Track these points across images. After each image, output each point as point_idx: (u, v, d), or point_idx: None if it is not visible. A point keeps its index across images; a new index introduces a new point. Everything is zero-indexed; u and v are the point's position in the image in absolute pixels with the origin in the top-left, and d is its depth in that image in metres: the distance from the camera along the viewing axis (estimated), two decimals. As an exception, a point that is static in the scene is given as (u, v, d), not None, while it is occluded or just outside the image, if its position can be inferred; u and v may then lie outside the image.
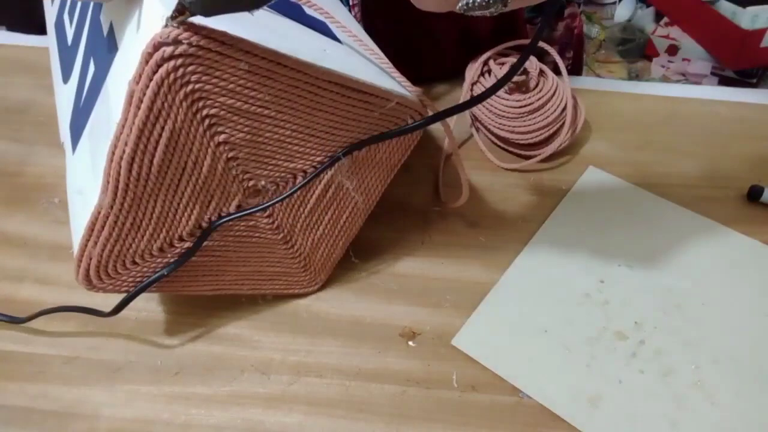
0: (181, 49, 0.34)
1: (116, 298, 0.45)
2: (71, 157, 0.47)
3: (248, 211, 0.44)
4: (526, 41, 0.64)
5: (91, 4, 0.48)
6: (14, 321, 0.50)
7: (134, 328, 0.51)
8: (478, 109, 0.62)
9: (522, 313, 0.51)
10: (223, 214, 0.44)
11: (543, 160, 0.60)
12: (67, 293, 0.52)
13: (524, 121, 0.59)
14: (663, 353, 0.48)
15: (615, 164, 0.61)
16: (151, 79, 0.35)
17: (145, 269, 0.44)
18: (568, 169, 0.61)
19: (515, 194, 0.59)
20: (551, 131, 0.59)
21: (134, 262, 0.43)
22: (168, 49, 0.34)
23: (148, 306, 0.51)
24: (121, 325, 0.50)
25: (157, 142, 0.37)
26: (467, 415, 0.46)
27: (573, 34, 0.71)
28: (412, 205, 0.58)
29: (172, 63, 0.35)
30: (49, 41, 0.60)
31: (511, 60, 0.63)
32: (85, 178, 0.43)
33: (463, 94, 0.63)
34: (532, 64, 0.61)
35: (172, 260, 0.44)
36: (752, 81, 0.70)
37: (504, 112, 0.60)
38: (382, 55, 0.49)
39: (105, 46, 0.43)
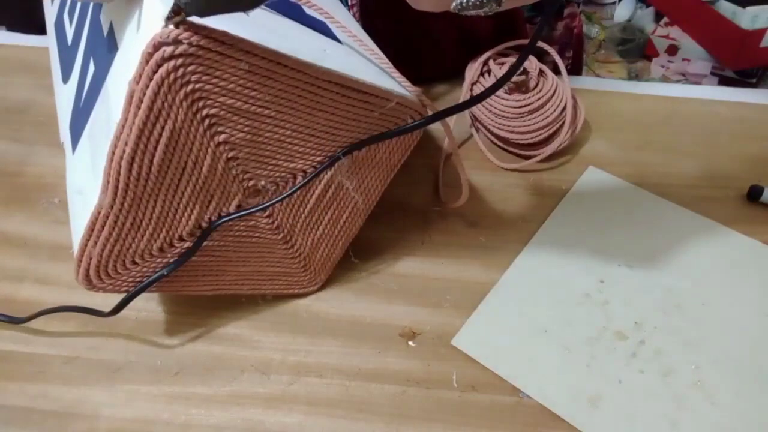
0: (181, 49, 0.34)
1: (116, 298, 0.45)
2: (71, 157, 0.47)
3: (248, 211, 0.44)
4: (526, 41, 0.64)
5: (91, 4, 0.48)
6: (14, 321, 0.50)
7: (134, 328, 0.51)
8: (477, 109, 0.62)
9: (522, 313, 0.51)
10: (223, 214, 0.44)
11: (543, 160, 0.60)
12: (67, 293, 0.52)
13: (524, 121, 0.59)
14: (663, 353, 0.48)
15: (615, 164, 0.61)
16: (151, 79, 0.35)
17: (145, 269, 0.44)
18: (568, 169, 0.61)
19: (515, 194, 0.59)
20: (551, 131, 0.59)
21: (134, 262, 0.43)
22: (168, 49, 0.34)
23: (148, 306, 0.51)
24: (121, 325, 0.50)
25: (157, 142, 0.37)
26: (467, 415, 0.46)
27: (573, 34, 0.71)
28: (412, 205, 0.58)
29: (172, 63, 0.35)
30: (49, 41, 0.60)
31: (511, 60, 0.63)
32: (85, 178, 0.43)
33: (463, 94, 0.63)
34: (532, 64, 0.61)
35: (172, 260, 0.44)
36: (752, 81, 0.70)
37: (504, 112, 0.60)
38: (382, 55, 0.49)
39: (105, 46, 0.43)
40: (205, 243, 0.44)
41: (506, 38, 0.64)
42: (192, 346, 0.50)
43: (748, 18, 0.65)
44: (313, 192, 0.47)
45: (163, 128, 0.37)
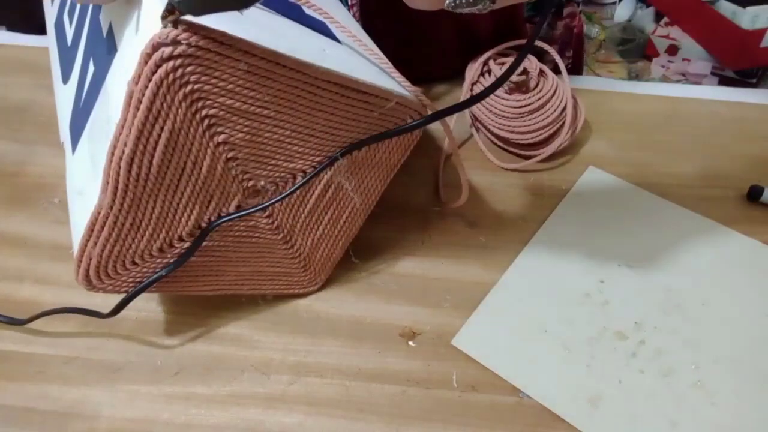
0: (180, 49, 0.34)
1: (116, 299, 0.45)
2: (71, 157, 0.47)
3: (247, 212, 0.44)
4: (526, 41, 0.64)
5: (90, 5, 0.48)
6: (15, 323, 0.50)
7: (134, 328, 0.51)
8: (478, 109, 0.62)
9: (522, 313, 0.51)
10: (222, 215, 0.44)
11: (543, 160, 0.60)
12: (67, 293, 0.52)
13: (524, 121, 0.59)
14: (663, 353, 0.48)
15: (615, 164, 0.61)
16: (150, 80, 0.35)
17: (144, 269, 0.44)
18: (568, 169, 0.61)
19: (515, 194, 0.59)
20: (551, 131, 0.59)
21: (134, 263, 0.43)
22: (167, 50, 0.34)
23: (148, 306, 0.52)
24: (121, 325, 0.50)
25: (157, 143, 0.37)
26: (467, 415, 0.46)
27: (573, 34, 0.70)
28: (412, 205, 0.58)
29: (171, 63, 0.35)
30: (49, 41, 0.60)
31: (511, 60, 0.63)
32: (85, 179, 0.43)
33: (463, 94, 0.63)
34: (532, 63, 0.61)
35: (171, 261, 0.44)
36: (752, 81, 0.70)
37: (504, 112, 0.60)
38: (381, 54, 0.49)
39: (104, 47, 0.43)
40: (204, 243, 0.44)
41: (506, 38, 0.64)
42: (192, 346, 0.50)
43: (748, 18, 0.65)
44: (313, 192, 0.47)
45: (162, 129, 0.37)
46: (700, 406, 0.46)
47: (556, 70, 0.62)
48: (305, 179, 0.45)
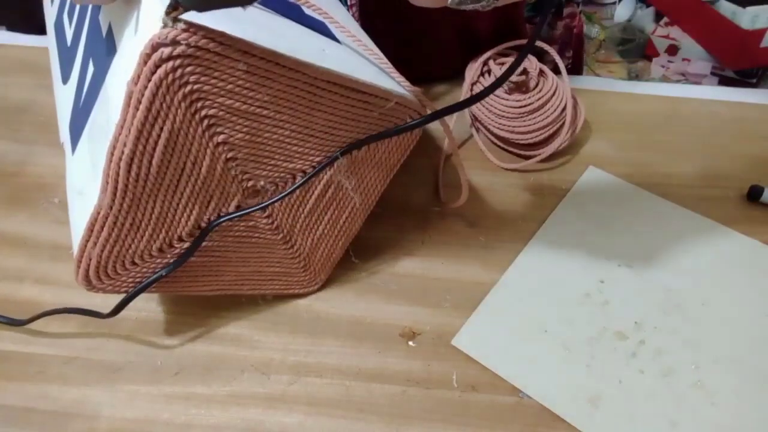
0: (179, 49, 0.34)
1: (116, 299, 0.45)
2: (71, 157, 0.47)
3: (247, 211, 0.44)
4: (526, 41, 0.64)
5: (90, 5, 0.48)
6: (15, 323, 0.50)
7: (134, 328, 0.51)
8: (478, 109, 0.62)
9: (522, 313, 0.51)
10: (222, 215, 0.44)
11: (543, 160, 0.60)
12: (67, 293, 0.52)
13: (524, 121, 0.59)
14: (663, 353, 0.48)
15: (615, 164, 0.61)
16: (149, 80, 0.35)
17: (144, 270, 0.44)
18: (568, 169, 0.61)
19: (515, 194, 0.59)
20: (551, 131, 0.59)
21: (134, 263, 0.43)
22: (166, 50, 0.34)
23: (148, 306, 0.52)
24: (121, 325, 0.50)
25: (156, 143, 0.37)
26: (467, 415, 0.46)
27: (573, 34, 0.70)
28: (412, 205, 0.58)
29: (170, 64, 0.35)
30: (49, 41, 0.60)
31: (511, 60, 0.63)
32: (85, 179, 0.43)
33: (463, 94, 0.63)
34: (532, 63, 0.61)
35: (171, 261, 0.44)
36: (752, 81, 0.70)
37: (504, 112, 0.60)
38: (381, 54, 0.49)
39: (104, 47, 0.43)
40: (204, 243, 0.44)
41: (506, 38, 0.64)
42: (192, 346, 0.50)
43: (748, 18, 0.65)
44: (313, 192, 0.47)
45: (161, 129, 0.37)
46: (700, 406, 0.46)
47: (556, 70, 0.62)
48: (305, 178, 0.45)
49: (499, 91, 0.61)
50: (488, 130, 0.62)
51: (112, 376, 0.48)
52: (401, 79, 0.47)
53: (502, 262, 0.54)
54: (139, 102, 0.35)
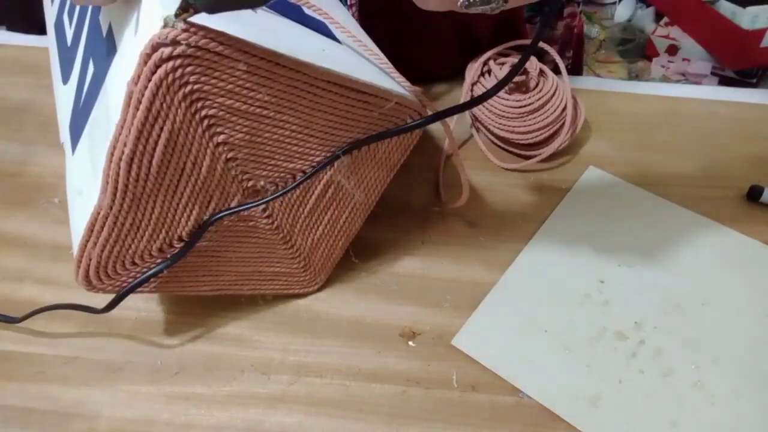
0: (179, 49, 0.34)
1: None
2: (71, 157, 0.47)
3: (246, 206, 0.43)
4: (526, 41, 0.64)
5: (90, 6, 0.48)
6: (9, 321, 0.50)
7: (134, 328, 0.51)
8: (478, 109, 0.62)
9: (522, 313, 0.51)
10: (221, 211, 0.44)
11: (543, 160, 0.60)
12: (68, 293, 0.52)
13: (524, 121, 0.59)
14: (663, 353, 0.48)
15: (615, 164, 0.61)
16: (149, 80, 0.35)
17: (144, 270, 0.44)
18: (568, 169, 0.61)
19: (515, 194, 0.59)
20: (551, 131, 0.59)
21: (134, 263, 0.43)
22: (166, 50, 0.34)
23: (148, 306, 0.52)
24: (121, 325, 0.50)
25: (156, 143, 0.37)
26: (467, 415, 0.46)
27: (573, 34, 0.70)
28: (412, 205, 0.58)
29: (170, 64, 0.35)
30: (49, 41, 0.60)
31: (511, 60, 0.63)
32: (85, 179, 0.43)
33: (463, 95, 0.63)
34: (532, 64, 0.61)
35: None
36: (752, 81, 0.70)
37: (504, 112, 0.60)
38: (381, 54, 0.49)
39: (104, 47, 0.43)
40: (205, 243, 0.44)
41: (506, 38, 0.64)
42: (192, 346, 0.50)
43: (748, 18, 0.65)
44: (313, 192, 0.47)
45: (162, 129, 0.37)
46: (700, 406, 0.46)
47: (556, 70, 0.62)
48: (306, 176, 0.44)
49: (500, 91, 0.61)
50: (488, 130, 0.62)
51: (112, 376, 0.48)
52: (401, 79, 0.47)
53: (502, 262, 0.54)
54: (140, 102, 0.35)
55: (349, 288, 0.53)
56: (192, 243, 0.43)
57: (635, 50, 0.72)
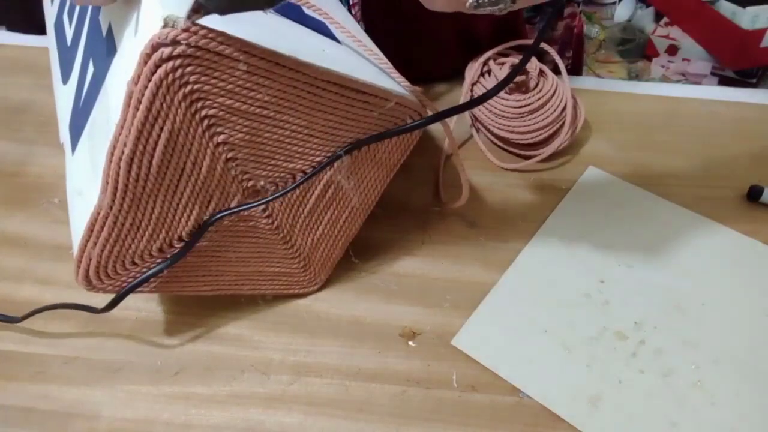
0: (179, 49, 0.34)
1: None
2: (71, 157, 0.47)
3: (246, 206, 0.43)
4: (526, 41, 0.64)
5: (90, 5, 0.48)
6: (9, 321, 0.50)
7: (134, 328, 0.51)
8: (478, 109, 0.62)
9: (522, 313, 0.51)
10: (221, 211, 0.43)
11: (543, 160, 0.60)
12: (67, 293, 0.52)
13: (524, 121, 0.59)
14: (663, 353, 0.48)
15: (615, 164, 0.61)
16: (149, 80, 0.35)
17: (144, 270, 0.44)
18: (568, 169, 0.61)
19: (515, 194, 0.59)
20: (551, 131, 0.59)
21: (134, 263, 0.43)
22: (166, 50, 0.34)
23: (148, 306, 0.52)
24: (121, 325, 0.50)
25: (156, 143, 0.37)
26: (467, 415, 0.46)
27: (573, 34, 0.70)
28: (412, 205, 0.58)
29: (170, 64, 0.35)
30: (49, 41, 0.60)
31: (511, 60, 0.63)
32: (85, 179, 0.43)
33: (463, 95, 0.63)
34: (532, 64, 0.61)
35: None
36: (752, 81, 0.70)
37: (504, 112, 0.60)
38: (381, 55, 0.49)
39: (104, 47, 0.43)
40: (205, 243, 0.44)
41: (506, 38, 0.64)
42: (192, 346, 0.50)
43: (748, 18, 0.65)
44: (313, 192, 0.47)
45: (162, 129, 0.37)
46: (700, 406, 0.46)
47: (556, 70, 0.62)
48: (306, 177, 0.44)
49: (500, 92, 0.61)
50: (488, 130, 0.62)
51: (112, 376, 0.48)
52: (401, 79, 0.47)
53: (502, 262, 0.54)
54: (140, 102, 0.35)
55: (349, 288, 0.53)
56: (192, 243, 0.43)
57: (635, 50, 0.72)
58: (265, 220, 0.46)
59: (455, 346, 0.49)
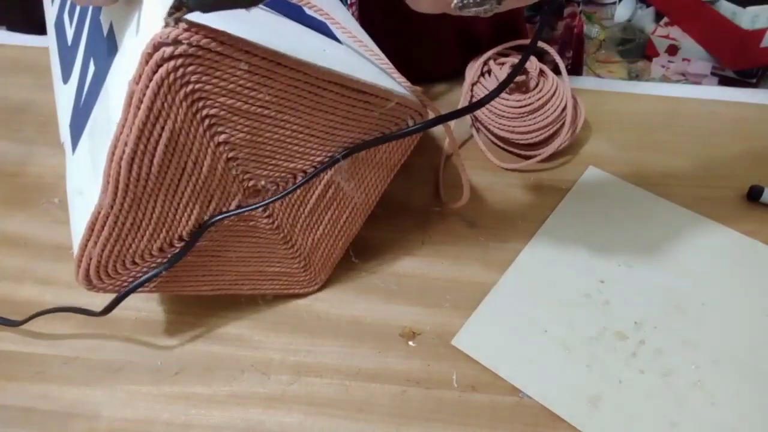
0: (180, 49, 0.34)
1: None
2: (71, 157, 0.47)
3: (246, 209, 0.44)
4: (526, 41, 0.64)
5: (91, 5, 0.48)
6: (10, 324, 0.50)
7: (134, 328, 0.51)
8: (478, 110, 0.62)
9: (522, 313, 0.51)
10: (221, 212, 0.43)
11: (543, 160, 0.60)
12: (67, 293, 0.52)
13: (524, 121, 0.59)
14: (663, 353, 0.48)
15: (615, 164, 0.61)
16: (150, 80, 0.35)
17: (145, 269, 0.44)
18: (568, 169, 0.61)
19: (515, 194, 0.59)
20: (551, 131, 0.59)
21: (134, 263, 0.43)
22: (168, 50, 0.34)
23: (148, 306, 0.51)
24: (121, 325, 0.50)
25: (157, 143, 0.37)
26: (467, 415, 0.46)
27: (573, 34, 0.71)
28: (412, 205, 0.58)
29: (171, 63, 0.35)
30: (49, 41, 0.60)
31: (512, 60, 0.63)
32: (85, 179, 0.43)
33: (463, 95, 0.63)
34: (532, 64, 0.61)
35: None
36: (752, 81, 0.70)
37: (504, 112, 0.60)
38: (381, 55, 0.49)
39: (105, 47, 0.43)
40: (205, 243, 0.44)
41: (506, 38, 0.64)
42: (192, 346, 0.50)
43: (748, 18, 0.65)
44: (313, 192, 0.47)
45: (162, 128, 0.37)
46: (700, 406, 0.46)
47: (557, 70, 0.62)
48: (306, 178, 0.45)
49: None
50: (488, 130, 0.62)
51: (112, 376, 0.48)
52: (402, 79, 0.47)
53: (502, 262, 0.54)
54: (141, 101, 0.35)
55: (349, 288, 0.53)
56: (192, 243, 0.43)
57: (635, 50, 0.72)
58: (265, 220, 0.46)
59: (455, 346, 0.49)
